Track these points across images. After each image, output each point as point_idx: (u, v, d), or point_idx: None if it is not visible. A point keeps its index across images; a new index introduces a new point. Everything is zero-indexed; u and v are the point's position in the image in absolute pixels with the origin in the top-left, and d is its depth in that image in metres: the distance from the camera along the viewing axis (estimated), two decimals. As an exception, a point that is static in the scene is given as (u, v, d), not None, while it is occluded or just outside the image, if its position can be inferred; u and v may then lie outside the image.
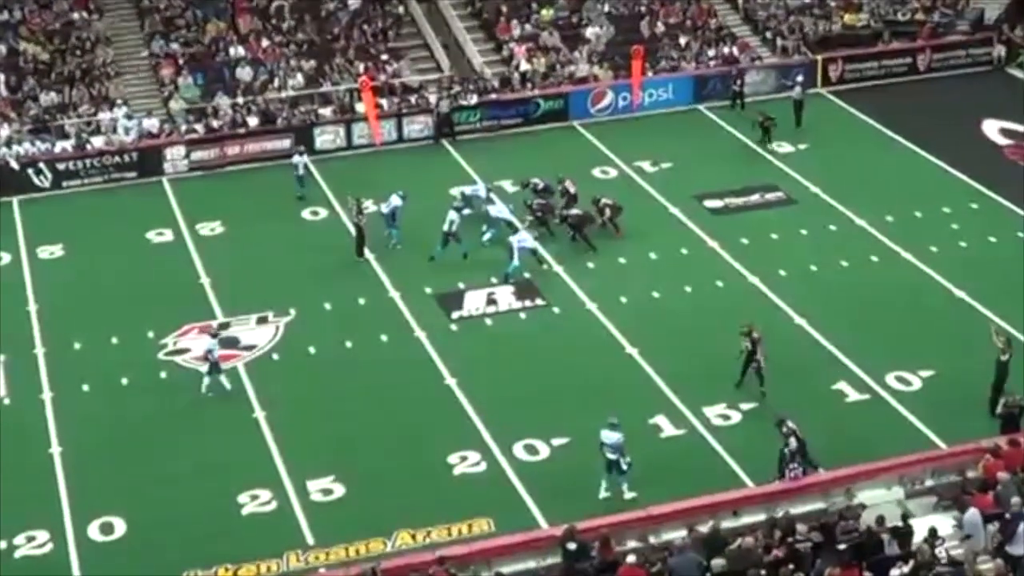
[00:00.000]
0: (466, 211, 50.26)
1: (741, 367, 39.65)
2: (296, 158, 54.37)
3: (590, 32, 65.08)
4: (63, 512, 37.06)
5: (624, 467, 36.06)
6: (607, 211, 50.11)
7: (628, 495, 35.96)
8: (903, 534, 30.71)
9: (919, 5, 66.82)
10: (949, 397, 39.75)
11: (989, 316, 43.71)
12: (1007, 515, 31.04)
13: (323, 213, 53.26)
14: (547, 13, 65.80)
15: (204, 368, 41.36)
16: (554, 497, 36.25)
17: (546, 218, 50.65)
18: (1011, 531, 30.50)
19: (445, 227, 49.04)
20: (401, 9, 66.35)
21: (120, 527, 36.41)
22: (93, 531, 36.29)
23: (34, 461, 39.23)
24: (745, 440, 38.43)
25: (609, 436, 35.99)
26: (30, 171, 56.30)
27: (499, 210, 50.93)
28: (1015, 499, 31.38)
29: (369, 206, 50.91)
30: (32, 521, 36.57)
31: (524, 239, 48.17)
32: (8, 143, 57.10)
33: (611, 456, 36.00)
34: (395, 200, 50.26)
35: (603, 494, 36.15)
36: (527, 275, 47.73)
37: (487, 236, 50.33)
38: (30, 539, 36.03)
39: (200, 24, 63.92)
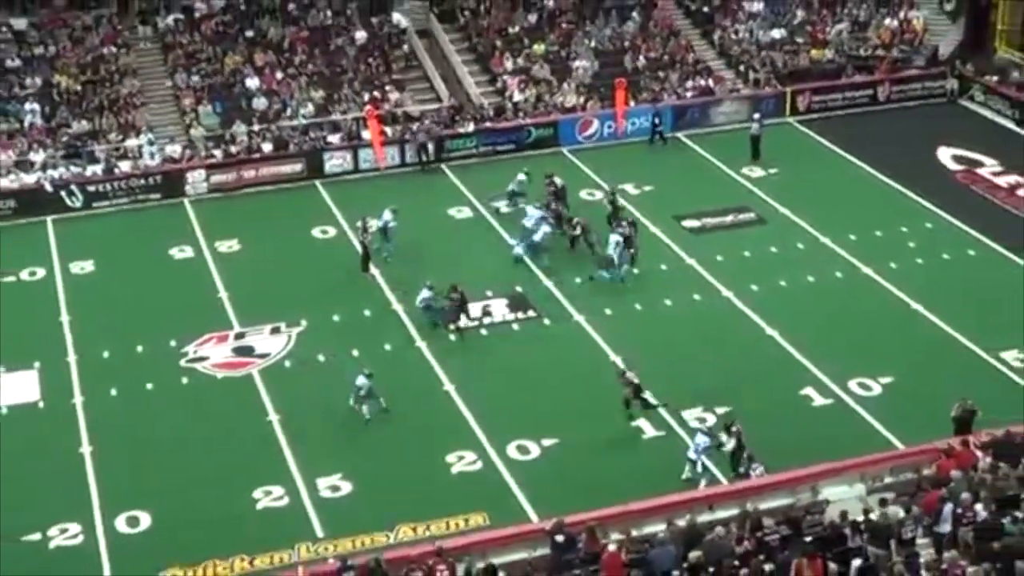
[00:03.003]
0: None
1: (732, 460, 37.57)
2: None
3: (577, 65, 65.09)
4: (93, 506, 37.19)
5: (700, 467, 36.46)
6: (578, 228, 50.25)
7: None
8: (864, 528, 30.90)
9: (879, 42, 66.91)
10: (906, 401, 39.94)
11: (943, 327, 44.04)
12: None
13: (332, 232, 53.25)
14: (538, 48, 65.84)
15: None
16: (544, 493, 36.39)
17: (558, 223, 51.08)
18: (938, 513, 31.03)
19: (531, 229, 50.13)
20: (404, 44, 66.37)
21: (145, 520, 36.53)
22: (120, 524, 36.42)
23: (66, 459, 39.32)
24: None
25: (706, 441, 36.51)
26: (63, 193, 56.28)
27: (530, 218, 51.01)
28: (965, 495, 31.58)
29: (374, 225, 51.00)
30: (64, 514, 36.69)
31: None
32: (43, 167, 57.18)
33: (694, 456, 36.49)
34: (387, 215, 50.43)
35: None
36: (519, 288, 47.87)
37: (518, 249, 50.52)
38: (63, 531, 36.16)
39: (219, 58, 63.97)
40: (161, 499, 37.19)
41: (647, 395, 38.97)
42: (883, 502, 31.36)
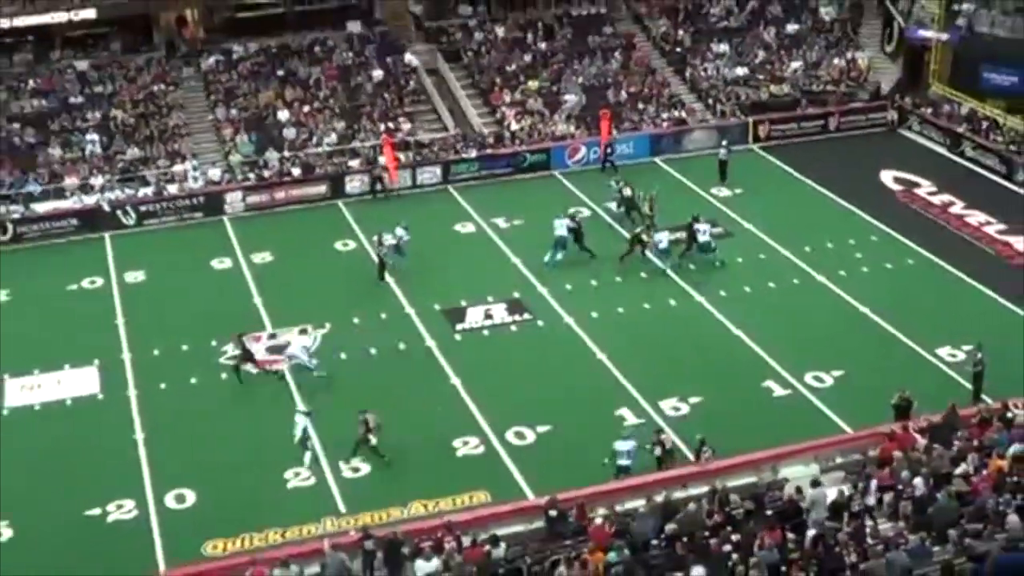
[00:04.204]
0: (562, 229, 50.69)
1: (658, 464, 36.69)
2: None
3: (566, 99, 65.02)
4: (145, 485, 37.21)
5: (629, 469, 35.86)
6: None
7: None
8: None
9: (829, 78, 66.87)
10: (854, 392, 39.93)
11: (886, 327, 44.08)
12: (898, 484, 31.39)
13: (352, 245, 53.17)
14: (532, 84, 65.77)
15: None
16: (539, 473, 36.35)
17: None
18: (865, 487, 31.35)
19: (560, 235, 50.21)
20: (415, 81, 66.36)
21: (191, 497, 36.60)
22: (169, 500, 36.46)
23: (122, 444, 39.33)
24: (694, 424, 38.36)
25: (624, 444, 35.86)
26: (119, 212, 56.25)
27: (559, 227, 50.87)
28: (904, 473, 31.62)
29: (389, 239, 51.02)
30: (120, 492, 36.76)
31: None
32: (102, 190, 57.14)
33: (625, 462, 35.65)
34: (399, 231, 50.44)
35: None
36: (517, 294, 47.82)
37: (549, 258, 50.37)
38: (119, 506, 36.22)
39: (254, 94, 63.94)
40: (204, 479, 37.24)
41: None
42: (815, 483, 31.40)
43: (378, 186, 58.85)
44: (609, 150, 60.99)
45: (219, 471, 37.69)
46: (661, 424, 38.73)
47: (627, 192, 54.31)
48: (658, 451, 36.23)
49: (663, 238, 49.53)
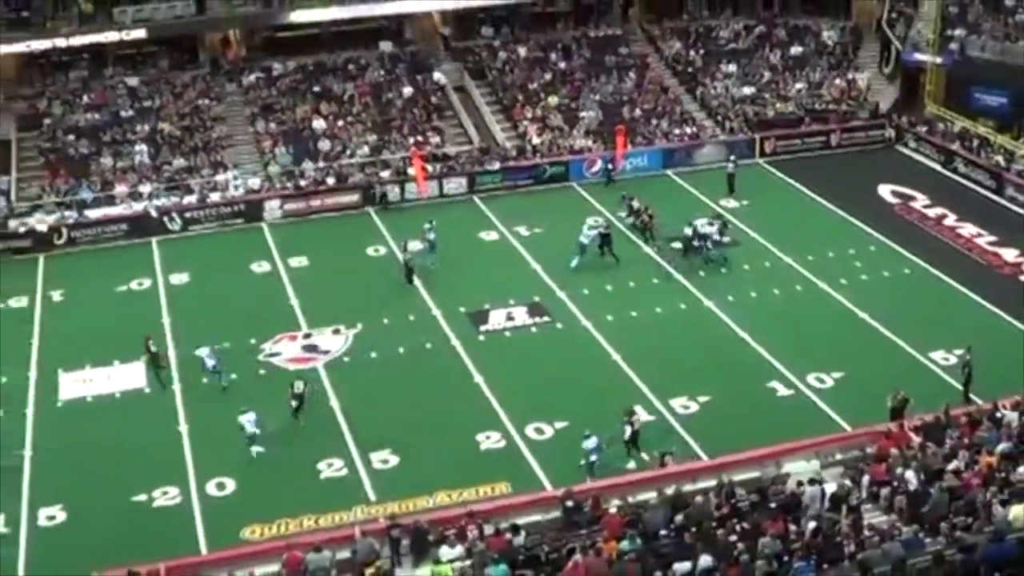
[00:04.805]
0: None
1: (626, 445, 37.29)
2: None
3: (584, 115, 65.00)
4: (188, 474, 37.40)
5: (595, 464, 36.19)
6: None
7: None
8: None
9: (831, 97, 66.72)
10: (853, 392, 39.85)
11: (883, 332, 44.02)
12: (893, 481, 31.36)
13: (382, 251, 53.14)
14: (552, 100, 65.72)
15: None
16: (556, 466, 36.37)
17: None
18: (858, 482, 31.62)
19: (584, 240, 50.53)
20: (442, 97, 66.40)
21: (231, 485, 36.78)
22: (211, 488, 36.63)
23: (167, 435, 39.54)
24: (703, 422, 38.66)
25: (589, 442, 36.09)
26: (165, 218, 56.39)
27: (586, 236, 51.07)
28: (899, 469, 31.60)
29: (417, 245, 51.10)
30: (165, 480, 36.95)
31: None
32: (149, 197, 57.25)
33: (593, 458, 36.05)
34: (427, 232, 50.83)
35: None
36: (537, 298, 47.85)
37: (576, 262, 50.49)
38: (164, 493, 36.45)
39: (291, 108, 64.04)
40: (243, 468, 37.41)
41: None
42: (810, 481, 31.39)
43: (383, 201, 58.94)
44: (610, 166, 60.95)
45: (257, 461, 37.83)
46: (672, 421, 38.87)
47: (635, 204, 54.39)
48: (628, 432, 36.55)
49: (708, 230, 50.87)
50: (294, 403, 40.16)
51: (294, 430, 39.48)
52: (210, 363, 42.47)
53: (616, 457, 36.59)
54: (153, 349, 43.38)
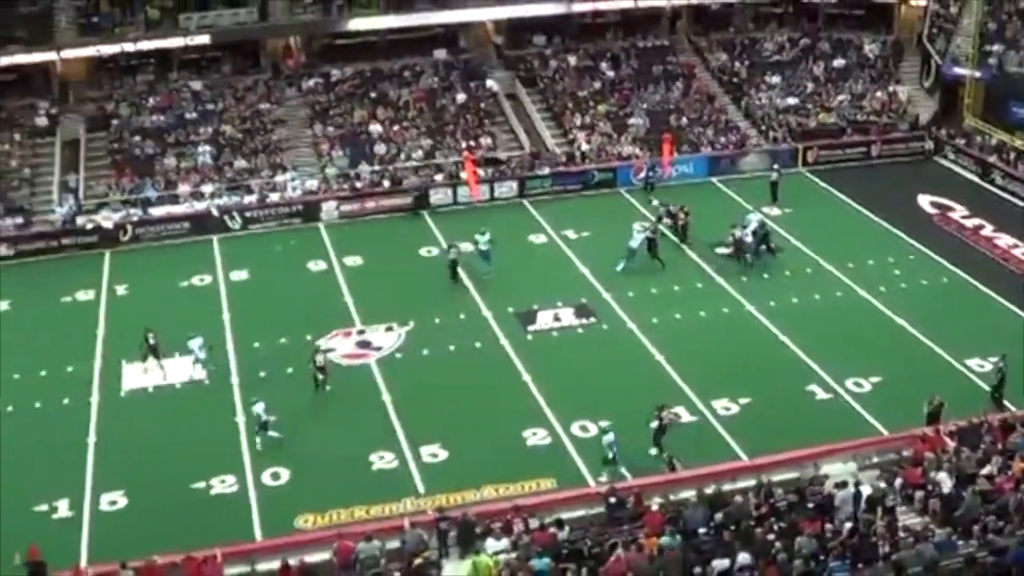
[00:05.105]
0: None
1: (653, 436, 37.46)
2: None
3: (632, 122, 64.93)
4: (245, 463, 37.64)
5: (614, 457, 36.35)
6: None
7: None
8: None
9: (872, 110, 66.41)
10: (891, 397, 39.63)
11: (921, 338, 43.80)
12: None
13: (435, 252, 53.14)
14: (601, 108, 65.71)
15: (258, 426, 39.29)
16: (600, 464, 36.34)
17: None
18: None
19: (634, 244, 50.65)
20: (494, 104, 66.48)
21: (285, 475, 36.96)
22: (266, 478, 36.85)
23: (224, 426, 39.79)
24: (743, 423, 38.57)
25: (608, 437, 36.33)
26: (226, 217, 56.71)
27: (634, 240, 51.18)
28: (934, 472, 31.54)
29: (468, 246, 51.30)
30: (222, 469, 37.23)
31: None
32: (211, 196, 57.65)
33: (613, 452, 36.20)
34: (480, 240, 50.55)
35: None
36: (584, 300, 47.81)
37: (621, 265, 50.56)
38: (222, 481, 36.73)
39: (349, 113, 64.26)
40: (297, 459, 37.58)
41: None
42: (837, 485, 31.32)
43: (420, 203, 58.86)
44: (651, 173, 60.81)
45: (312, 452, 37.97)
46: (714, 423, 38.82)
47: (672, 208, 54.32)
48: (655, 424, 36.62)
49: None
50: (319, 376, 41.55)
51: (347, 424, 39.67)
52: (200, 354, 43.20)
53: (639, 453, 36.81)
54: (151, 342, 43.35)
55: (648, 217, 55.22)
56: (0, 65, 61.60)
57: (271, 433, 38.60)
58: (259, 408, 38.69)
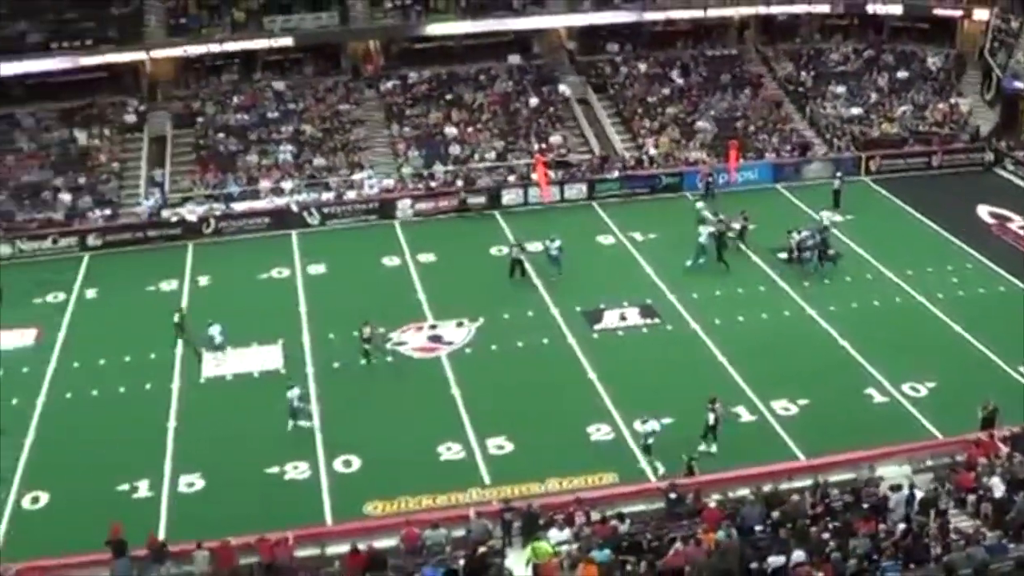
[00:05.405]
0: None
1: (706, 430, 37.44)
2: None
3: (700, 128, 64.80)
4: (317, 449, 37.91)
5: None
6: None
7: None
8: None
9: (934, 121, 65.88)
10: (946, 402, 39.24)
11: (977, 345, 43.37)
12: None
13: (506, 251, 52.99)
14: (670, 113, 65.65)
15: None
16: (661, 460, 36.27)
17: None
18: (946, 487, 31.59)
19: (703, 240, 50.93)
20: (565, 108, 66.51)
21: (356, 463, 37.16)
22: (338, 465, 37.09)
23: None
24: (801, 424, 38.37)
25: (649, 426, 36.66)
26: (305, 213, 57.08)
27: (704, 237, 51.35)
28: (986, 477, 31.29)
29: (537, 246, 51.48)
30: (297, 455, 37.52)
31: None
32: (291, 193, 58.08)
33: (651, 440, 36.49)
34: (550, 244, 50.54)
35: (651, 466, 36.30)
36: (649, 301, 47.75)
37: (691, 263, 50.70)
38: (295, 467, 37.03)
39: (425, 115, 64.49)
40: (368, 447, 37.77)
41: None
42: (892, 488, 31.15)
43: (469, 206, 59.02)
44: (709, 179, 60.57)
45: (382, 442, 38.14)
46: (773, 423, 38.66)
47: (724, 217, 53.89)
48: (711, 418, 36.54)
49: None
50: (366, 346, 42.81)
51: (417, 415, 39.75)
52: (219, 339, 44.06)
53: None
54: (177, 319, 44.55)
55: (710, 220, 55.03)
56: (92, 64, 62.53)
57: (301, 422, 38.99)
58: (293, 394, 39.12)
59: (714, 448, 36.72)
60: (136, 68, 64.79)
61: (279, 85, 65.94)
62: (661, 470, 35.86)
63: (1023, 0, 67.43)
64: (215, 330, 44.28)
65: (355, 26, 66.65)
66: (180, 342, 44.54)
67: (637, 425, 37.20)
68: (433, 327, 46.07)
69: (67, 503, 35.55)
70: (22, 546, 33.19)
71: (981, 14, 69.13)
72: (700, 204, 56.29)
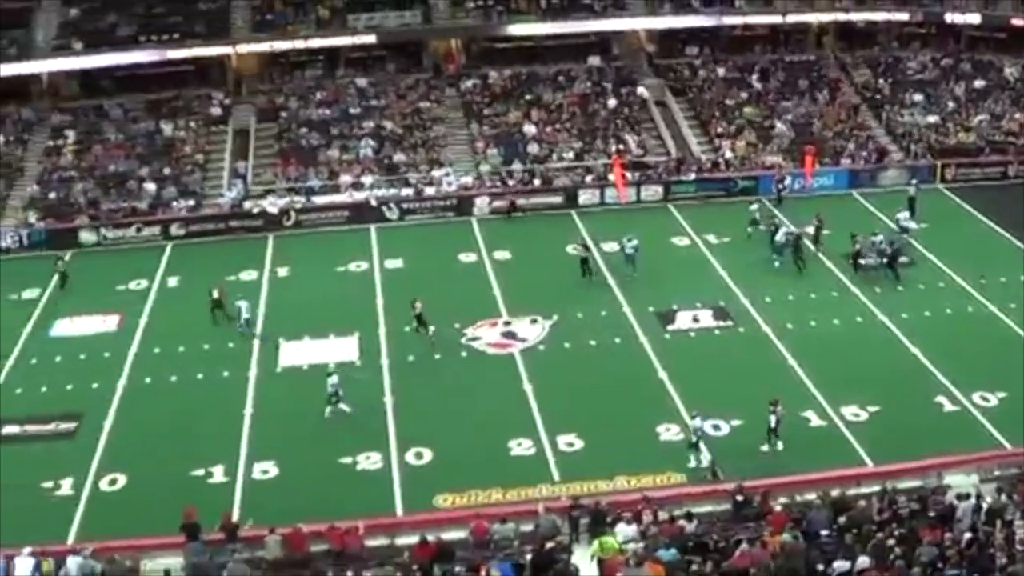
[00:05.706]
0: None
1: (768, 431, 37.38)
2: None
3: (777, 132, 64.47)
4: (390, 441, 38.04)
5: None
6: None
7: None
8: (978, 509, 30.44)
9: (1011, 130, 65.14)
10: (1015, 412, 38.53)
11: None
12: None
13: (580, 249, 53.15)
14: (747, 117, 65.41)
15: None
16: (729, 461, 36.07)
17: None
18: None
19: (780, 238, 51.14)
20: (643, 110, 66.40)
21: (428, 455, 37.28)
22: (410, 456, 37.24)
23: (373, 406, 40.19)
24: (871, 430, 38.01)
25: (697, 422, 36.70)
26: (384, 208, 57.51)
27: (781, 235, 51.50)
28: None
29: (613, 246, 51.42)
30: (369, 446, 37.71)
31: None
32: (371, 188, 58.45)
33: (697, 437, 36.54)
34: (626, 243, 50.44)
35: (692, 464, 36.25)
36: (722, 303, 47.58)
37: (778, 263, 50.93)
38: (368, 458, 37.23)
39: (504, 114, 64.63)
40: (440, 440, 37.87)
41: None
42: (959, 496, 30.84)
43: (511, 208, 58.87)
44: (780, 185, 60.19)
45: (454, 435, 38.24)
46: (842, 428, 38.38)
47: (777, 221, 53.88)
48: (773, 420, 36.42)
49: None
50: (420, 329, 43.90)
51: (489, 410, 39.88)
52: (245, 315, 44.98)
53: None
54: (215, 295, 46.37)
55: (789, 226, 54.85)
56: (179, 57, 63.36)
57: (341, 406, 39.33)
58: (333, 380, 39.38)
59: (779, 445, 36.60)
60: (222, 62, 65.56)
61: (361, 82, 66.37)
62: (692, 463, 36.00)
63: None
64: (243, 304, 45.21)
65: (437, 25, 67.03)
66: (216, 316, 45.98)
67: (690, 420, 37.20)
68: (507, 324, 46.18)
69: (143, 486, 36.01)
70: (98, 526, 33.67)
71: (1061, 25, 68.34)
72: (754, 207, 55.88)
